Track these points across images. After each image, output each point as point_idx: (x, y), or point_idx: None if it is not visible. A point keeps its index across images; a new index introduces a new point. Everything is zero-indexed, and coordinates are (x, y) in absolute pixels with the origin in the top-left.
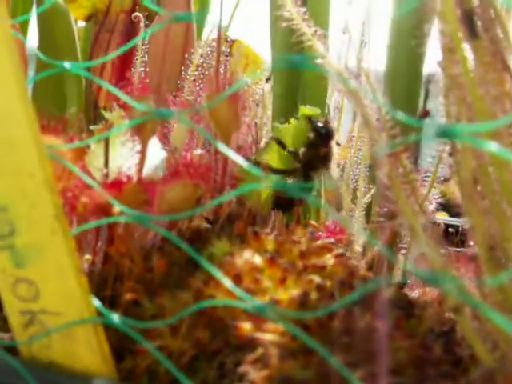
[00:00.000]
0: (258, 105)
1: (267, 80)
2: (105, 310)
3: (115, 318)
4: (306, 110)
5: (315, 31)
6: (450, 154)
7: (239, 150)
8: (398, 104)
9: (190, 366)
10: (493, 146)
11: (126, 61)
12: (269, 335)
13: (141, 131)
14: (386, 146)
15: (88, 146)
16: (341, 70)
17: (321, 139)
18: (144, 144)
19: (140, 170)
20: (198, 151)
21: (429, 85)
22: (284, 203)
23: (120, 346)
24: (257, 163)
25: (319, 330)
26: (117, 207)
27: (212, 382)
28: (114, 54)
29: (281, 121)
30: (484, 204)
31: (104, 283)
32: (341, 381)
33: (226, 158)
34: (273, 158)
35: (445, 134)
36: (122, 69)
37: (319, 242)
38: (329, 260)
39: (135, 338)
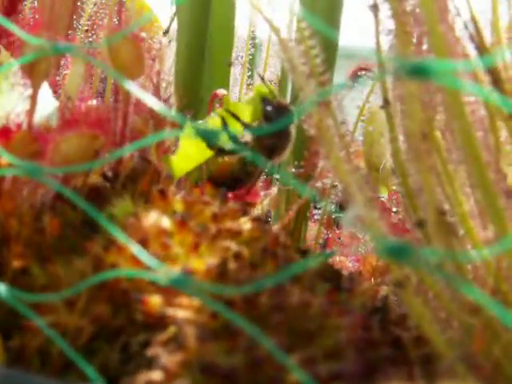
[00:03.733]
0: (154, 60)
1: (165, 33)
2: None
3: (1, 289)
4: (261, 87)
5: None
6: (383, 107)
7: (139, 102)
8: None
9: (89, 346)
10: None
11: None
12: (183, 311)
13: (33, 73)
14: (315, 93)
15: None
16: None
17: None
18: (36, 88)
19: (30, 117)
20: (94, 101)
21: None
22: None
23: (6, 321)
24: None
25: (245, 306)
26: (4, 158)
27: (114, 367)
28: None
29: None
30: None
31: None
32: (275, 367)
33: (126, 108)
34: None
35: (416, 71)
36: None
37: (233, 204)
38: (244, 224)
39: (24, 314)
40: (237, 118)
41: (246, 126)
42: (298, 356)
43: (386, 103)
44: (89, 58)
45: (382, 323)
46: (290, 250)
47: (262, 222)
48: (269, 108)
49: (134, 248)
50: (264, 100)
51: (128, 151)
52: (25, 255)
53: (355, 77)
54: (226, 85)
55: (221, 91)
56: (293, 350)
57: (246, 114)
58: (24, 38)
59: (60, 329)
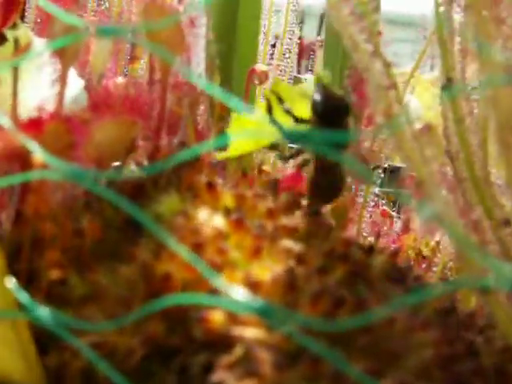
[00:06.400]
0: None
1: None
2: (28, 301)
3: (44, 312)
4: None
5: None
6: (445, 87)
7: (177, 85)
8: None
9: (141, 368)
10: None
11: None
12: (251, 330)
13: (63, 52)
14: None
15: None
16: None
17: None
18: (66, 69)
19: (60, 103)
20: (120, 79)
21: None
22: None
23: (42, 334)
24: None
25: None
26: (37, 156)
27: None
28: None
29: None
30: None
31: (17, 253)
32: None
33: (164, 89)
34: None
35: None
36: None
37: (285, 195)
38: (300, 218)
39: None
40: (288, 111)
41: (297, 121)
42: (388, 382)
43: (449, 82)
44: (133, 38)
45: (455, 328)
46: (352, 247)
47: (318, 215)
48: (317, 96)
49: (189, 256)
50: (317, 85)
51: (186, 156)
52: (62, 263)
53: None
54: (254, 59)
55: (259, 66)
56: (382, 375)
57: (303, 106)
58: (54, 14)
59: (106, 349)
